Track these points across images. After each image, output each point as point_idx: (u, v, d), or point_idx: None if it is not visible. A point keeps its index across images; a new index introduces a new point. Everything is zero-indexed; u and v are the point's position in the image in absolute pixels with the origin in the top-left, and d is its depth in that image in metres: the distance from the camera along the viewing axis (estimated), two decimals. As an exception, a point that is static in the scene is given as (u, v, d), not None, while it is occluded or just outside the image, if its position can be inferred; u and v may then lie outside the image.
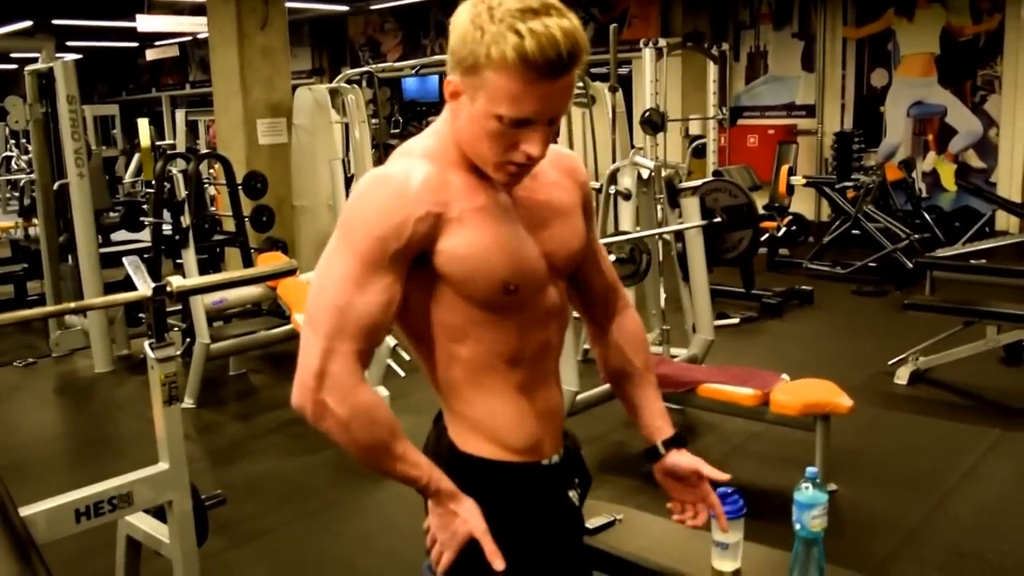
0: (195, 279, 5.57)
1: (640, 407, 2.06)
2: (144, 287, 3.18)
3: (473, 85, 1.59)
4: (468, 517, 1.74)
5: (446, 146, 1.72)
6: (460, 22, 1.59)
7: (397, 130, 11.86)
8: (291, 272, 4.17)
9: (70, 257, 7.45)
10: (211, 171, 9.97)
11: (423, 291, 1.72)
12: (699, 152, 11.49)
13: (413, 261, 1.67)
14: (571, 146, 9.37)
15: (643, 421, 2.05)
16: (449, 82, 1.64)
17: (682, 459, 2.01)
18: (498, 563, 1.71)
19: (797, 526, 2.37)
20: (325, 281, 1.67)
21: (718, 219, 5.89)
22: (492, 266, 1.69)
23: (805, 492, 2.36)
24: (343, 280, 1.65)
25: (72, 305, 3.54)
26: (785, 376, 4.79)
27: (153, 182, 7.55)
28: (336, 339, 1.64)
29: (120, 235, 9.59)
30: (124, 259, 3.94)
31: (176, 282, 3.16)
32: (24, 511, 2.71)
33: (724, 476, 2.01)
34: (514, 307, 1.75)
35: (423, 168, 1.67)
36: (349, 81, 8.43)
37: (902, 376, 6.33)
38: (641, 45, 9.46)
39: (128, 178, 16.80)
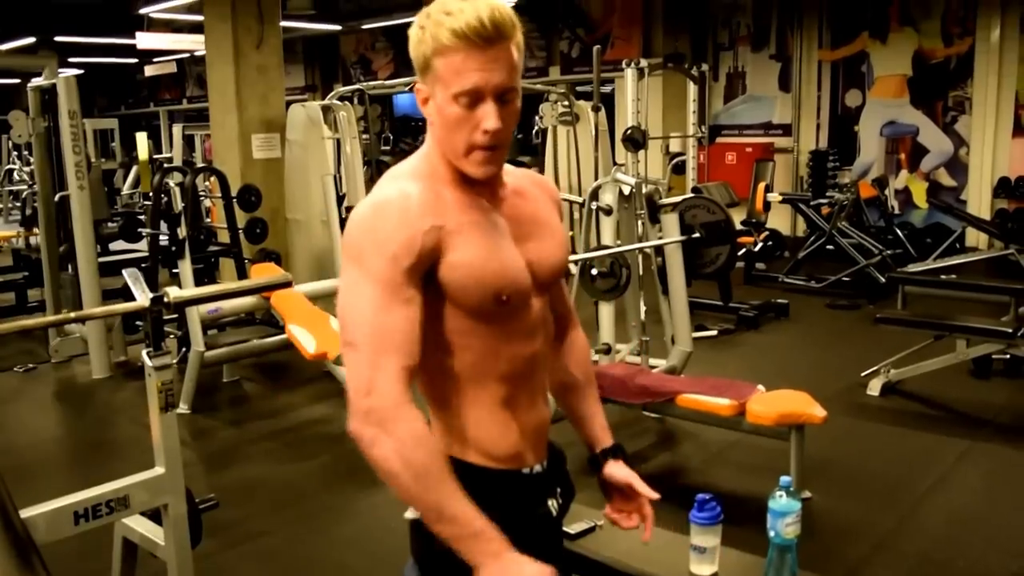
0: (191, 290, 5.60)
1: (583, 417, 2.13)
2: (142, 298, 3.22)
3: (431, 81, 1.73)
4: (540, 567, 1.71)
5: (434, 165, 1.81)
6: (411, 36, 1.76)
7: (388, 147, 11.94)
8: (286, 285, 4.14)
9: (70, 266, 7.51)
10: (207, 184, 10.04)
11: (425, 306, 1.77)
12: (679, 169, 11.56)
13: (424, 275, 1.72)
14: (555, 162, 9.55)
15: (585, 431, 2.13)
16: (418, 91, 1.77)
17: (617, 471, 2.08)
18: None
19: (771, 533, 2.47)
20: (355, 311, 1.70)
21: (697, 235, 5.93)
22: (487, 276, 1.75)
23: (779, 500, 2.47)
24: (371, 304, 1.67)
25: (73, 315, 3.61)
26: (761, 387, 4.85)
27: (151, 194, 7.63)
28: (383, 355, 1.66)
29: (118, 245, 9.66)
30: (124, 271, 3.89)
31: (173, 293, 3.22)
32: (24, 513, 2.74)
33: (653, 495, 2.02)
34: (503, 318, 1.80)
35: (416, 187, 1.75)
36: (341, 98, 8.52)
37: (874, 388, 6.41)
38: (624, 65, 9.57)
39: (126, 190, 16.73)
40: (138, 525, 3.28)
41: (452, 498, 1.67)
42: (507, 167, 1.94)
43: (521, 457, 1.89)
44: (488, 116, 1.71)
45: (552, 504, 1.96)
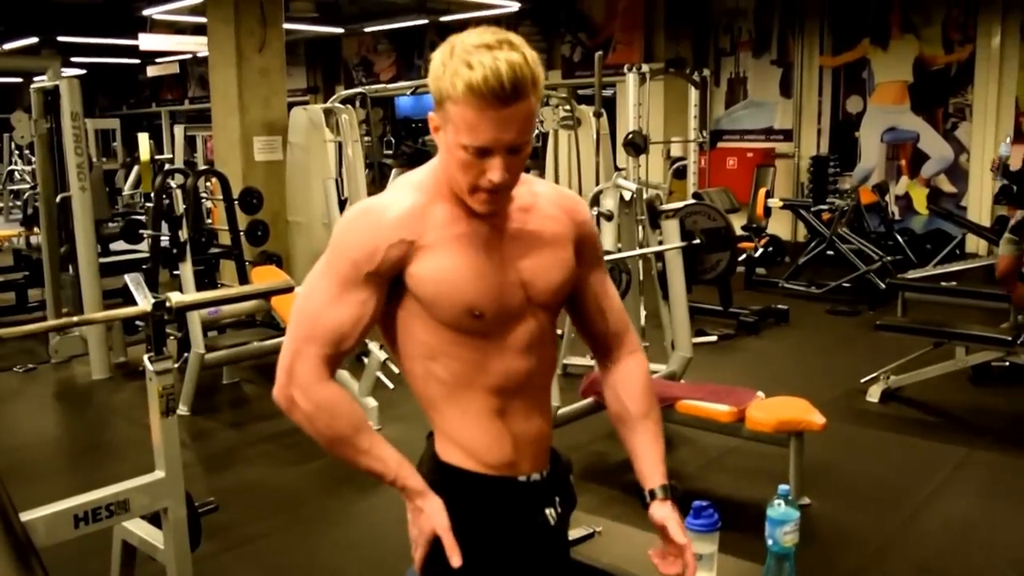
0: (193, 295, 5.59)
1: (632, 452, 2.08)
2: (144, 302, 3.23)
3: (444, 118, 1.72)
4: (432, 513, 1.82)
5: (437, 179, 1.82)
6: (432, 62, 1.72)
7: (389, 150, 11.94)
8: (288, 290, 4.12)
9: (70, 266, 7.50)
10: (208, 186, 10.07)
11: (405, 311, 1.84)
12: (680, 174, 11.58)
13: (392, 282, 1.80)
14: (556, 167, 9.56)
15: (636, 466, 2.07)
16: (431, 118, 1.77)
17: (657, 512, 2.02)
18: (455, 559, 1.78)
19: (770, 541, 2.47)
20: (308, 294, 1.84)
21: (697, 241, 5.94)
22: (457, 291, 1.77)
23: (777, 509, 2.47)
24: (320, 294, 1.81)
25: (75, 319, 3.58)
26: (760, 393, 4.86)
27: (152, 194, 7.64)
28: (305, 343, 1.81)
29: (119, 245, 9.63)
30: (126, 276, 3.88)
31: (175, 298, 3.23)
32: (24, 516, 2.74)
33: (682, 539, 2.00)
34: (484, 333, 1.82)
35: (408, 199, 1.80)
36: (343, 101, 8.55)
37: (873, 394, 6.40)
38: (625, 70, 9.62)
39: (127, 190, 16.75)
40: (137, 528, 3.28)
41: (366, 453, 1.84)
42: (538, 181, 1.98)
43: (515, 465, 1.90)
44: (495, 169, 1.72)
45: (550, 513, 1.97)
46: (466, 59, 1.64)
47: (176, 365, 6.54)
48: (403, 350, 1.89)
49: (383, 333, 1.91)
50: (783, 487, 2.49)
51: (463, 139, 1.69)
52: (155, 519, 3.26)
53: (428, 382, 1.87)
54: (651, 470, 2.04)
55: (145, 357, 3.15)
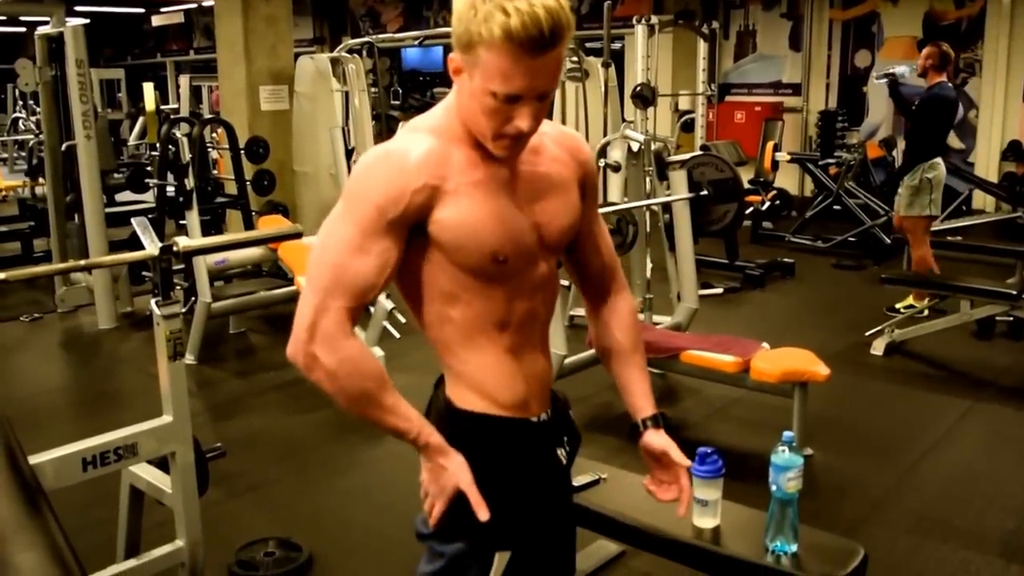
0: (200, 240, 5.61)
1: (625, 386, 2.09)
2: (151, 246, 3.21)
3: (470, 62, 1.66)
4: (456, 471, 1.80)
5: (452, 121, 1.79)
6: (458, 3, 1.65)
7: (397, 101, 11.89)
8: (296, 236, 4.13)
9: (76, 216, 7.53)
10: (214, 135, 10.05)
11: (421, 256, 1.80)
12: (688, 127, 11.56)
13: (412, 229, 1.75)
14: (564, 119, 9.52)
15: (627, 399, 2.09)
16: (452, 59, 1.71)
17: (655, 440, 2.03)
18: (483, 513, 1.78)
19: (773, 487, 2.51)
20: (327, 244, 1.77)
21: (704, 192, 5.91)
22: (483, 237, 1.75)
23: (781, 455, 2.50)
24: (342, 243, 1.75)
25: (82, 262, 3.58)
26: (765, 344, 4.88)
27: (157, 145, 7.63)
28: (329, 296, 1.73)
29: (124, 196, 9.65)
30: (132, 219, 3.84)
31: (182, 242, 3.19)
32: (33, 459, 2.72)
33: (686, 462, 2.02)
34: (503, 277, 1.80)
35: (425, 143, 1.76)
36: (350, 51, 8.50)
37: (878, 347, 6.43)
38: (634, 22, 9.56)
39: (132, 141, 16.72)
40: (145, 473, 3.28)
41: (390, 410, 1.79)
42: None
43: (527, 405, 1.90)
44: (524, 116, 1.70)
45: (561, 453, 1.98)
46: (501, 4, 1.59)
47: (184, 309, 6.59)
48: (418, 297, 1.86)
49: (396, 280, 1.86)
50: (787, 433, 2.52)
51: (494, 86, 1.65)
52: (163, 465, 3.25)
53: (444, 326, 1.86)
54: (643, 401, 2.06)
55: (152, 301, 3.13)
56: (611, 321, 2.10)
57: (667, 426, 2.08)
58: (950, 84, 7.39)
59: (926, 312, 7.05)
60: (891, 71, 8.04)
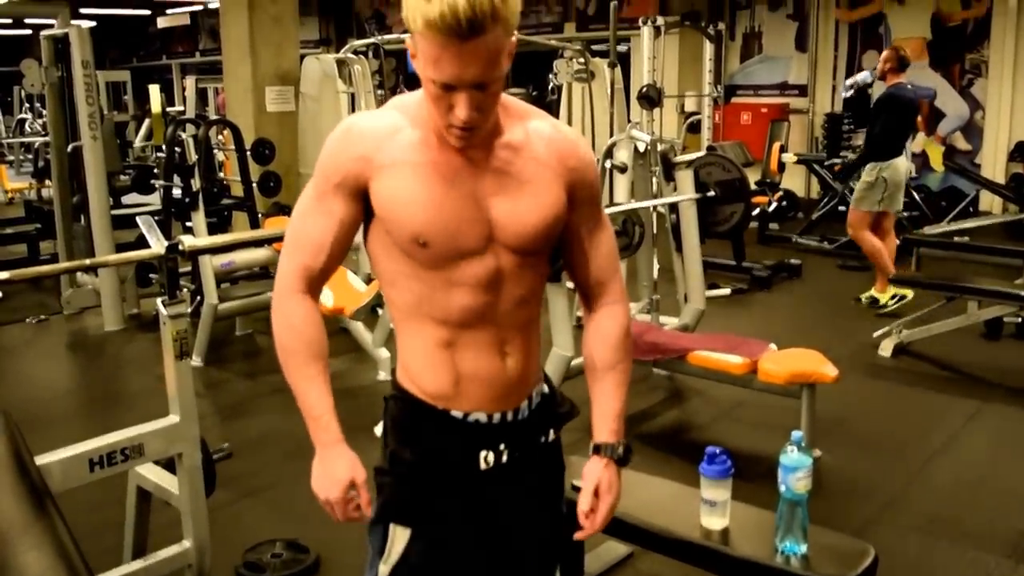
0: (206, 239, 5.64)
1: (592, 403, 2.06)
2: (158, 245, 3.20)
3: (414, 48, 1.70)
4: (352, 463, 1.90)
5: (422, 104, 1.80)
6: None
7: (403, 101, 11.92)
8: None
9: (82, 218, 7.52)
10: (220, 137, 10.05)
11: (374, 234, 1.87)
12: (694, 128, 11.54)
13: (363, 199, 1.84)
14: (570, 120, 9.52)
15: (592, 415, 2.06)
16: (408, 44, 1.74)
17: (590, 468, 2.01)
18: (366, 513, 1.90)
19: (782, 487, 2.50)
20: (295, 210, 1.94)
21: (711, 192, 5.91)
22: (406, 216, 1.78)
23: (791, 455, 2.49)
24: (300, 208, 1.90)
25: (88, 261, 3.57)
26: (773, 345, 4.86)
27: (163, 147, 7.63)
28: (287, 255, 1.90)
29: (131, 198, 9.63)
30: (138, 218, 3.81)
31: (188, 241, 3.21)
32: (40, 460, 2.74)
33: (584, 507, 1.99)
34: (433, 263, 1.81)
35: (382, 118, 1.85)
36: (356, 52, 8.52)
37: (886, 348, 6.41)
38: (640, 23, 9.53)
39: (138, 143, 16.72)
40: (152, 474, 3.28)
41: (306, 380, 1.90)
42: (541, 117, 1.95)
43: (452, 399, 1.91)
44: (460, 105, 1.70)
45: (484, 456, 1.94)
46: None
47: (190, 309, 6.59)
48: (377, 274, 1.94)
49: (371, 264, 1.94)
50: (796, 433, 2.51)
51: (428, 72, 1.69)
52: (170, 466, 3.25)
53: (390, 306, 1.94)
54: (600, 424, 2.03)
55: (159, 301, 3.13)
56: (592, 336, 2.08)
57: (621, 463, 2.03)
58: (909, 86, 7.57)
59: (890, 307, 7.32)
60: (854, 80, 8.21)
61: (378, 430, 1.98)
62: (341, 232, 1.87)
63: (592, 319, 2.09)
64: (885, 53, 7.44)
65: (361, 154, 1.81)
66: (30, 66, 7.59)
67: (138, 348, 7.05)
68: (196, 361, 6.34)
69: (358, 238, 1.93)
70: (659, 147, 6.09)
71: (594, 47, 12.02)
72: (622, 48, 13.95)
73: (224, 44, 9.09)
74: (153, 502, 3.35)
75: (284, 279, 1.90)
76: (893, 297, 7.44)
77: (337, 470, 1.88)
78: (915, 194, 11.32)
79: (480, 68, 1.66)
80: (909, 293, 7.31)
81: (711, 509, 2.68)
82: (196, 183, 6.79)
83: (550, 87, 11.48)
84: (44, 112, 10.40)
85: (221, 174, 9.48)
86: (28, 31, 21.75)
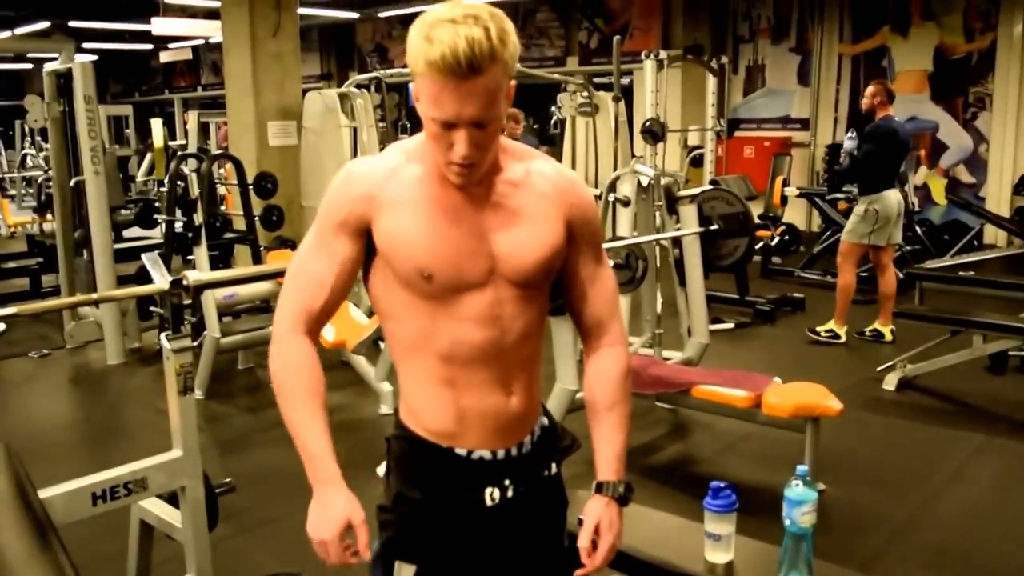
0: (209, 273, 5.65)
1: (593, 444, 2.07)
2: (161, 280, 3.25)
3: (417, 89, 1.76)
4: (349, 503, 1.86)
5: (422, 145, 1.87)
6: (409, 33, 1.76)
7: (405, 135, 11.94)
8: None
9: (84, 252, 7.53)
10: (222, 171, 10.06)
11: (375, 269, 1.89)
12: (697, 162, 11.59)
13: (365, 236, 1.87)
14: (574, 153, 9.54)
15: (595, 455, 2.06)
16: (413, 88, 1.79)
17: (589, 506, 2.02)
18: (364, 555, 1.85)
19: (787, 521, 2.47)
20: (297, 251, 1.96)
21: (715, 226, 5.91)
22: (410, 249, 1.81)
23: (795, 489, 2.47)
24: (303, 248, 1.93)
25: (93, 296, 3.61)
26: (777, 379, 4.84)
27: (165, 181, 7.65)
28: (287, 295, 1.93)
29: (133, 232, 9.59)
30: (143, 255, 3.87)
31: (192, 276, 3.23)
32: (43, 493, 2.75)
33: (584, 544, 1.99)
34: (437, 297, 1.83)
35: (388, 159, 1.89)
36: (358, 86, 8.54)
37: (890, 382, 6.40)
38: (643, 57, 9.55)
39: (141, 177, 16.79)
40: (155, 508, 3.29)
41: (303, 419, 1.90)
42: (542, 159, 1.99)
43: (457, 437, 1.91)
44: (460, 142, 1.75)
45: (490, 493, 1.95)
46: (427, 33, 1.68)
47: (195, 344, 6.58)
48: (378, 310, 1.95)
49: (371, 299, 1.96)
50: (801, 467, 2.49)
51: (429, 111, 1.74)
52: (173, 499, 3.26)
53: (391, 342, 1.94)
54: (603, 463, 2.04)
55: (162, 335, 3.14)
56: (592, 376, 2.09)
57: (623, 501, 2.04)
58: (896, 119, 7.61)
59: (822, 337, 7.64)
60: (845, 149, 8.43)
61: (380, 470, 1.95)
62: (343, 272, 1.89)
63: (592, 360, 2.10)
64: (870, 88, 7.48)
65: (364, 192, 1.84)
66: (33, 102, 7.61)
67: (140, 382, 7.05)
68: (198, 394, 6.23)
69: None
70: (663, 181, 6.09)
71: (597, 80, 12.09)
72: (624, 81, 13.99)
73: (227, 80, 9.13)
74: (156, 535, 3.36)
75: (284, 318, 1.91)
76: (829, 331, 7.66)
77: (333, 509, 1.85)
78: (917, 228, 11.33)
79: (478, 106, 1.71)
80: (843, 337, 7.60)
81: (715, 543, 2.65)
82: (199, 217, 6.82)
83: (552, 120, 11.52)
84: (46, 146, 10.42)
85: (223, 208, 9.49)
86: (30, 65, 21.88)
